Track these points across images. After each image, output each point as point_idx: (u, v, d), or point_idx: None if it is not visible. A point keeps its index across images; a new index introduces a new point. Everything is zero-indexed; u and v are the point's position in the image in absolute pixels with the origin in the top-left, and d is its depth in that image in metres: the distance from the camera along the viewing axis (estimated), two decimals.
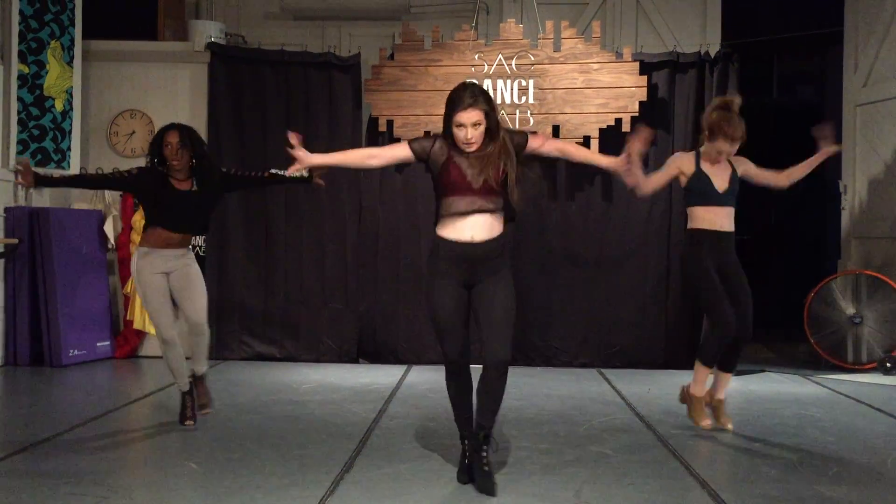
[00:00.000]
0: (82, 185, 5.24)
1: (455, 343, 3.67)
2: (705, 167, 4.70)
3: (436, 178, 3.66)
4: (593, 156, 4.26)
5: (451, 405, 3.83)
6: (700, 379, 4.77)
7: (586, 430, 4.80)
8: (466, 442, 3.76)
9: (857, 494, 3.65)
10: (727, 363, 4.77)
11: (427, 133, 7.21)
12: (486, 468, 3.62)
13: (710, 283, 4.65)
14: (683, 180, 4.75)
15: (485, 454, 3.65)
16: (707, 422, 4.75)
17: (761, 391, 6.23)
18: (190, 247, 4.84)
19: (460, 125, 3.55)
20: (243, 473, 3.82)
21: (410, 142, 3.73)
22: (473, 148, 3.57)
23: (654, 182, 4.76)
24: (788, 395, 6.07)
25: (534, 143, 3.76)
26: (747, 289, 4.73)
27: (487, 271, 3.63)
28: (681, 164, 4.78)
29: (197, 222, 4.80)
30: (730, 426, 4.78)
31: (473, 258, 3.61)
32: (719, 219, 4.67)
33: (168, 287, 4.72)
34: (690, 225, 4.78)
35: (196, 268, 4.81)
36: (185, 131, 4.64)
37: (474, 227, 3.58)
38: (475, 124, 3.54)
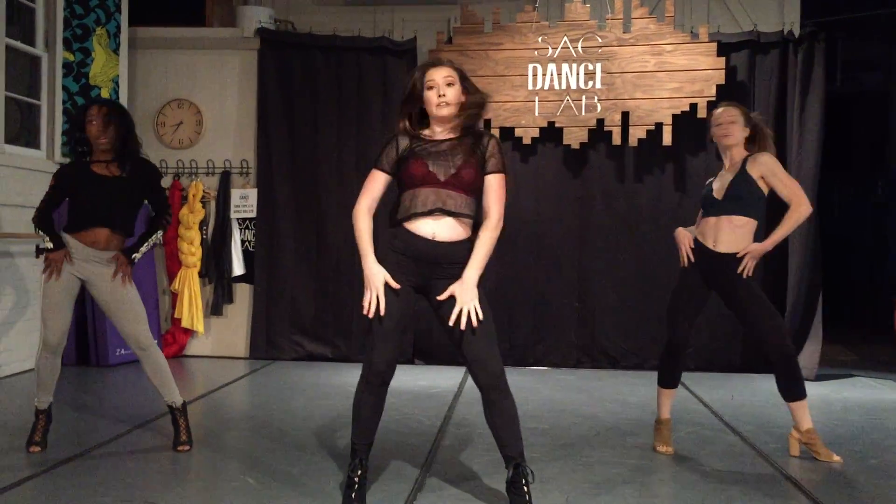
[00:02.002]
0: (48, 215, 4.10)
1: (387, 353, 3.12)
2: (721, 172, 4.18)
3: (399, 174, 3.21)
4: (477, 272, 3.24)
5: (353, 424, 3.26)
6: (659, 400, 4.29)
7: (676, 442, 4.36)
8: (358, 465, 3.24)
9: None
10: (784, 391, 4.02)
11: (487, 122, 6.83)
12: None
13: (679, 293, 4.16)
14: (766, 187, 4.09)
15: (525, 487, 3.07)
16: (662, 447, 4.15)
17: (857, 398, 5.72)
18: (117, 252, 4.03)
19: (431, 85, 3.15)
20: (305, 491, 3.46)
21: (378, 166, 3.23)
22: (446, 110, 3.13)
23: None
24: (888, 403, 5.57)
25: (486, 187, 3.18)
26: (757, 309, 3.94)
27: (448, 276, 3.12)
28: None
29: (122, 215, 4.02)
30: (836, 458, 3.99)
31: (432, 259, 3.13)
32: (710, 231, 4.04)
33: (75, 290, 3.99)
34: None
35: (117, 279, 3.98)
36: (112, 106, 4.05)
37: (437, 225, 3.12)
38: (448, 82, 3.15)
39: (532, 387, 6.03)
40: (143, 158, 4.10)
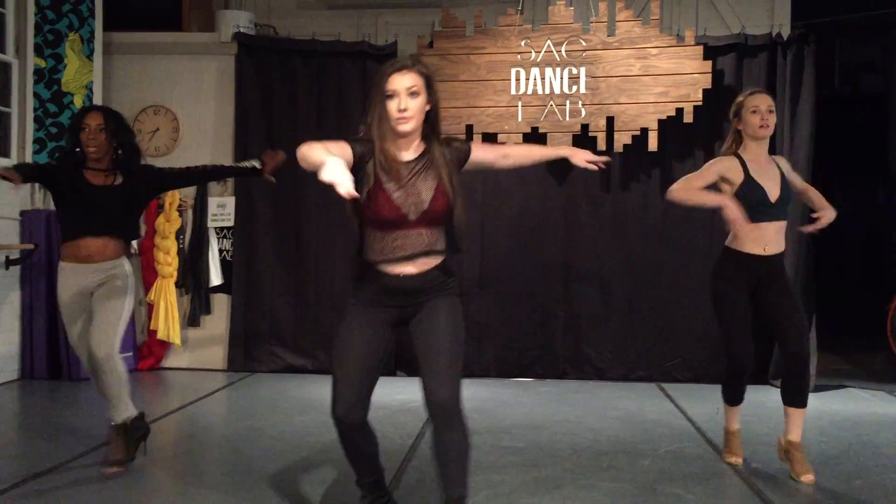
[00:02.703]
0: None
1: (348, 396, 2.83)
2: (755, 172, 3.84)
3: (361, 198, 2.77)
4: (555, 150, 3.30)
5: (350, 464, 3.08)
6: (727, 415, 4.23)
7: (653, 462, 4.20)
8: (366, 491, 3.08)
9: None
10: (788, 395, 3.87)
11: (469, 128, 6.68)
12: None
13: (732, 312, 3.92)
14: (729, 190, 3.86)
15: None
16: (733, 458, 4.14)
17: (846, 412, 5.55)
18: (120, 258, 3.95)
19: (392, 94, 2.72)
20: None
21: (352, 142, 2.78)
22: (408, 126, 2.73)
23: (689, 196, 3.89)
24: (877, 418, 5.39)
25: (480, 154, 2.95)
26: (790, 310, 3.84)
27: (424, 301, 2.84)
28: (725, 169, 3.88)
29: (117, 225, 3.91)
30: (806, 478, 3.79)
31: (409, 292, 2.84)
32: (767, 237, 3.83)
33: (87, 301, 3.92)
34: (730, 242, 3.94)
35: (119, 285, 3.88)
36: (108, 114, 3.94)
37: (410, 264, 2.81)
38: (412, 92, 2.73)
39: (515, 400, 5.87)
40: (136, 163, 4.00)
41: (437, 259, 2.85)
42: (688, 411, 5.48)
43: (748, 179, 3.82)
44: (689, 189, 3.87)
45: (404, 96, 2.73)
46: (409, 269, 2.80)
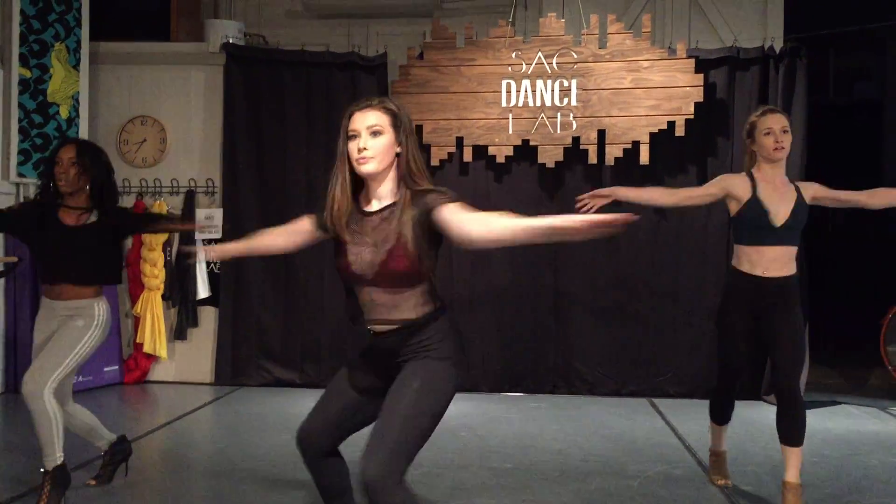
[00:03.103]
0: None
1: (314, 420, 2.68)
2: (763, 193, 3.72)
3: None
4: (556, 221, 2.31)
5: None
6: (714, 435, 4.18)
7: (641, 484, 4.14)
8: None
9: None
10: (780, 432, 3.71)
11: (460, 140, 6.62)
12: None
13: (727, 328, 3.84)
14: (734, 207, 3.78)
15: None
16: (721, 481, 4.09)
17: (839, 430, 5.49)
18: (93, 299, 3.70)
19: (353, 134, 2.54)
20: None
21: (317, 211, 2.71)
22: (369, 167, 2.51)
23: (685, 193, 3.96)
24: (870, 436, 5.34)
25: (449, 217, 2.43)
26: (785, 342, 3.66)
27: (404, 364, 2.58)
28: (732, 185, 3.79)
29: (91, 267, 3.70)
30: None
31: (382, 351, 2.62)
32: (766, 260, 3.69)
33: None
34: (734, 261, 3.84)
35: (79, 325, 3.63)
36: (82, 148, 3.74)
37: (376, 316, 2.59)
38: (374, 132, 2.53)
39: (504, 416, 5.81)
40: (112, 201, 3.80)
41: (412, 319, 2.56)
42: (678, 428, 5.42)
43: (753, 199, 3.69)
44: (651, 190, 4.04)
45: (365, 135, 2.53)
46: (379, 327, 2.59)
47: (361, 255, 2.55)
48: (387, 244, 2.51)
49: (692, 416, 5.74)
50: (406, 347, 2.57)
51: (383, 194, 2.59)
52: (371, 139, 2.53)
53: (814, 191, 3.77)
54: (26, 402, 3.53)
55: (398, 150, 2.57)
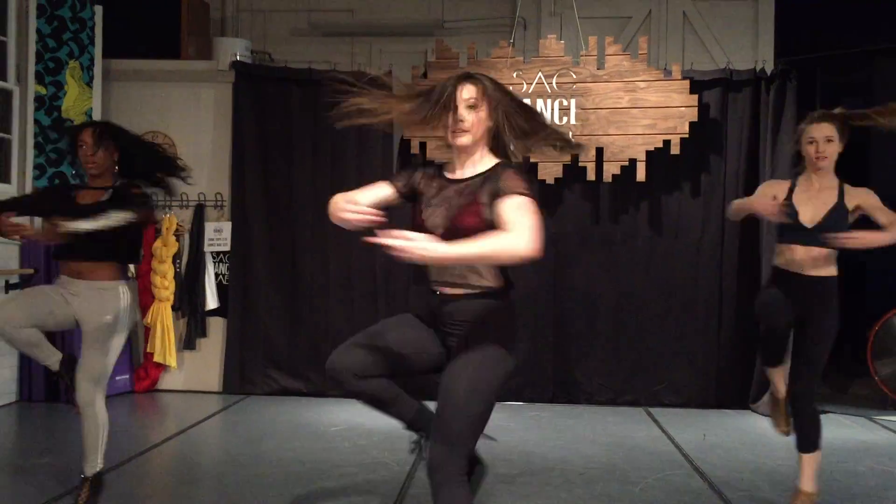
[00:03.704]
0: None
1: (346, 353, 2.72)
2: (798, 196, 3.84)
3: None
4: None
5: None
6: (774, 380, 4.10)
7: (643, 490, 4.35)
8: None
9: None
10: (798, 438, 3.87)
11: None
12: None
13: (763, 297, 3.96)
14: None
15: None
16: (783, 428, 4.13)
17: (826, 439, 5.66)
18: (115, 282, 3.71)
19: (452, 106, 2.65)
20: None
21: (395, 176, 2.85)
22: (463, 139, 2.63)
23: (739, 205, 4.05)
24: (858, 444, 5.57)
25: (502, 207, 2.51)
26: (805, 345, 3.80)
27: (462, 337, 2.65)
28: (773, 191, 3.94)
29: (105, 245, 3.62)
30: None
31: (442, 313, 2.71)
32: (797, 259, 3.80)
33: (60, 309, 3.65)
34: (774, 261, 4.00)
35: (109, 318, 3.66)
36: (101, 127, 3.73)
37: (445, 278, 2.68)
38: (469, 105, 2.63)
39: (504, 424, 6.00)
40: (130, 185, 3.72)
41: (477, 287, 2.65)
42: (675, 437, 5.63)
43: (787, 199, 3.82)
44: (734, 204, 4.05)
45: (462, 108, 2.64)
46: (448, 290, 2.69)
47: (436, 213, 2.66)
48: (461, 204, 2.63)
49: (688, 425, 5.97)
50: (467, 317, 2.64)
51: (472, 164, 2.71)
52: (467, 112, 2.64)
53: (860, 199, 3.80)
54: (81, 409, 3.64)
55: (489, 123, 2.67)
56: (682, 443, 5.46)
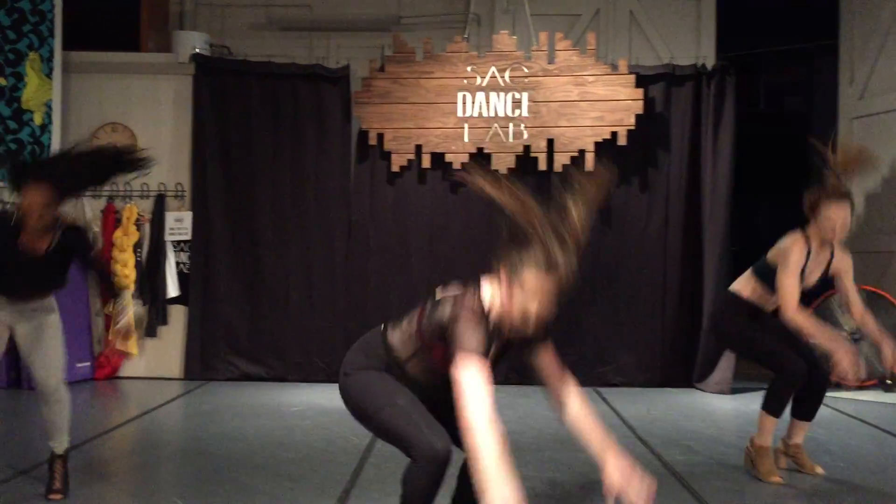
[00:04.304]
0: None
1: (437, 428, 2.65)
2: (810, 263, 4.07)
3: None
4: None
5: None
6: (767, 429, 4.20)
7: (589, 457, 4.60)
8: None
9: None
10: (805, 410, 4.24)
11: (419, 147, 7.06)
12: None
13: (756, 333, 4.21)
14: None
15: None
16: (776, 478, 4.14)
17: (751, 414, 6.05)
18: (51, 296, 3.89)
19: None
20: None
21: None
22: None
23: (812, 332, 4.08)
24: None
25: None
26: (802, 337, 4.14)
27: None
28: (800, 261, 4.05)
29: (47, 285, 3.84)
30: (819, 470, 4.26)
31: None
32: (771, 305, 4.16)
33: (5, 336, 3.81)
34: (743, 291, 4.24)
35: (53, 319, 3.85)
36: (45, 185, 3.56)
37: None
38: None
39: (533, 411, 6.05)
40: (76, 227, 3.91)
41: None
42: (622, 412, 5.92)
43: (803, 266, 4.05)
44: (810, 322, 4.01)
45: None
46: None
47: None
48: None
49: (633, 402, 6.26)
50: None
51: None
52: None
53: (842, 266, 4.13)
54: (57, 401, 3.81)
55: None
56: (628, 417, 5.75)
